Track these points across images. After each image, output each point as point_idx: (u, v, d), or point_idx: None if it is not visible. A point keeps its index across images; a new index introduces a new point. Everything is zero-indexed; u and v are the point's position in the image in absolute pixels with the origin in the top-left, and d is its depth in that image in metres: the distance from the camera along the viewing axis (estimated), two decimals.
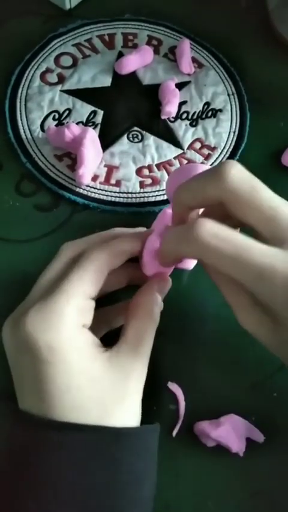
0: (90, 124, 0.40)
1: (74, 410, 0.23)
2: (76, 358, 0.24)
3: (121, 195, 0.37)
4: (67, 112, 0.40)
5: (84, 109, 0.40)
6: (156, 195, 0.37)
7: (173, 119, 0.40)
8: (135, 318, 0.26)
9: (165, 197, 0.37)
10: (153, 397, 0.30)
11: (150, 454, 0.25)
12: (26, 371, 0.24)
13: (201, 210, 0.28)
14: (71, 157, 0.38)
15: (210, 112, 0.41)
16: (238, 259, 0.21)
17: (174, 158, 0.39)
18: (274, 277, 0.21)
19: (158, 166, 0.38)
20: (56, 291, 0.25)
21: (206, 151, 0.39)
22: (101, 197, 0.37)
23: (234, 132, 0.40)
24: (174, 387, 0.30)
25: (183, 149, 0.39)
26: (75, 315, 0.24)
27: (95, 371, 0.24)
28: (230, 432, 0.28)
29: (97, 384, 0.24)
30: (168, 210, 0.30)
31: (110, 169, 0.38)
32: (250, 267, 0.21)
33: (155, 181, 0.37)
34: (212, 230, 0.22)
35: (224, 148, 0.39)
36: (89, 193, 0.37)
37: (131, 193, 0.37)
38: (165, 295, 0.29)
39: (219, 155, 0.39)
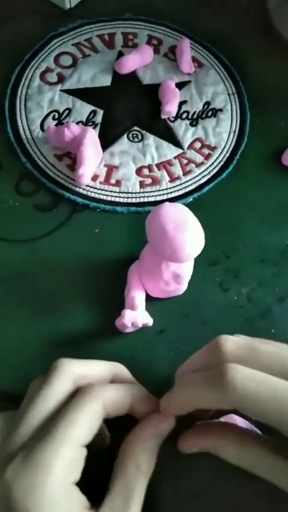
0: (90, 123, 0.39)
1: None
2: None
3: (121, 194, 0.37)
4: (67, 111, 0.40)
5: (84, 109, 0.40)
6: (156, 195, 0.37)
7: (173, 119, 0.40)
8: (123, 471, 0.22)
9: (164, 197, 0.37)
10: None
11: None
12: None
13: None
14: (71, 156, 0.38)
15: (210, 111, 0.41)
16: (278, 399, 0.20)
17: (174, 158, 0.39)
18: None
19: (158, 165, 0.38)
20: (45, 438, 0.21)
21: (206, 151, 0.39)
22: (101, 197, 0.36)
23: (234, 132, 0.40)
24: None
25: (183, 149, 0.39)
26: (63, 471, 0.21)
27: None
28: None
29: None
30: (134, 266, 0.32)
31: (110, 169, 0.38)
32: None
33: (155, 181, 0.37)
34: (246, 373, 0.20)
35: (224, 147, 0.39)
36: (89, 193, 0.37)
37: (131, 193, 0.37)
38: None
39: (219, 154, 0.39)
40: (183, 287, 0.32)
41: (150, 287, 0.32)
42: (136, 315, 0.30)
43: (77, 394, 0.23)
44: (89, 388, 0.23)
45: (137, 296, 0.31)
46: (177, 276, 0.31)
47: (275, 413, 0.20)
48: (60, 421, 0.21)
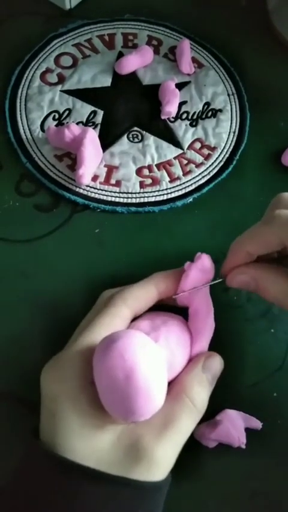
0: (90, 124, 0.40)
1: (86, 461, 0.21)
2: (76, 418, 0.21)
3: (121, 195, 0.37)
4: (67, 112, 0.40)
5: (84, 109, 0.40)
6: (156, 195, 0.37)
7: (173, 119, 0.40)
8: (170, 398, 0.22)
9: (164, 197, 0.37)
10: None
11: (162, 503, 0.23)
12: (43, 412, 0.23)
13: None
14: (71, 157, 0.38)
15: (210, 112, 0.41)
16: None
17: (174, 158, 0.39)
18: None
19: (158, 166, 0.38)
20: (72, 342, 0.24)
21: (206, 151, 0.39)
22: (101, 197, 0.37)
23: (234, 132, 0.40)
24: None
25: (183, 149, 0.39)
26: (83, 366, 0.22)
27: (99, 443, 0.21)
28: (228, 428, 0.28)
29: (102, 458, 0.21)
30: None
31: (110, 169, 0.38)
32: None
33: (155, 181, 0.37)
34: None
35: (224, 148, 0.39)
36: (89, 193, 0.37)
37: (131, 193, 0.37)
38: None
39: (219, 155, 0.39)
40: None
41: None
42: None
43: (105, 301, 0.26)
44: (113, 297, 0.25)
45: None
46: None
47: None
48: (90, 324, 0.24)
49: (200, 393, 0.23)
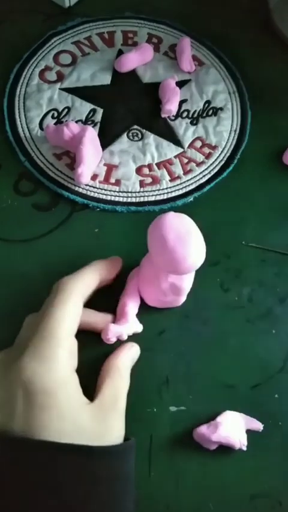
0: (90, 122, 0.39)
1: None
2: (67, 404, 0.24)
3: (121, 194, 0.36)
4: (66, 110, 0.40)
5: (83, 107, 0.40)
6: (156, 194, 0.37)
7: (173, 118, 0.40)
8: (111, 378, 0.27)
9: (165, 196, 0.37)
10: (153, 398, 0.30)
11: (128, 471, 0.25)
12: (18, 408, 0.24)
13: None
14: (70, 155, 0.37)
15: (211, 110, 0.41)
16: None
17: (175, 157, 0.38)
18: None
19: (158, 165, 0.38)
20: (45, 334, 0.25)
21: (206, 150, 0.39)
22: (101, 196, 0.36)
23: (235, 131, 0.40)
24: None
25: (183, 148, 0.39)
26: (67, 357, 0.25)
27: (82, 421, 0.24)
28: (229, 430, 0.28)
29: (84, 434, 0.24)
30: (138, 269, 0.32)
31: (110, 168, 0.37)
32: None
33: (155, 180, 0.37)
34: None
35: (225, 146, 0.39)
36: (89, 192, 0.36)
37: (131, 192, 0.37)
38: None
39: (220, 154, 0.39)
40: (182, 299, 0.32)
41: (148, 296, 0.31)
42: (121, 330, 0.30)
43: (54, 291, 0.28)
44: (63, 285, 0.28)
45: (129, 303, 0.31)
46: (176, 288, 0.30)
47: None
48: (52, 318, 0.26)
49: (126, 371, 0.29)
